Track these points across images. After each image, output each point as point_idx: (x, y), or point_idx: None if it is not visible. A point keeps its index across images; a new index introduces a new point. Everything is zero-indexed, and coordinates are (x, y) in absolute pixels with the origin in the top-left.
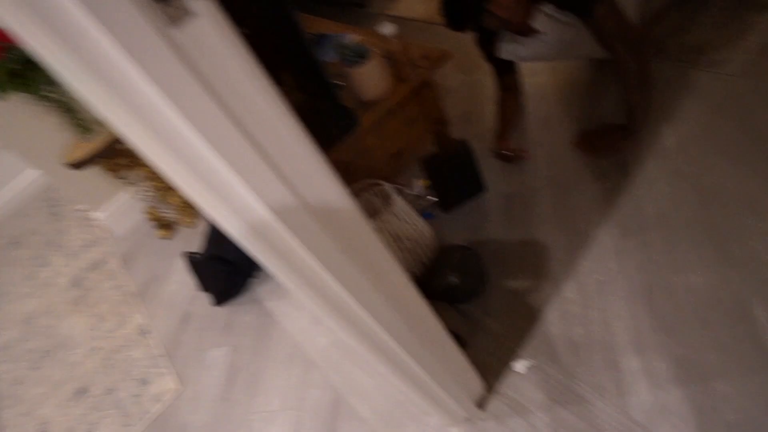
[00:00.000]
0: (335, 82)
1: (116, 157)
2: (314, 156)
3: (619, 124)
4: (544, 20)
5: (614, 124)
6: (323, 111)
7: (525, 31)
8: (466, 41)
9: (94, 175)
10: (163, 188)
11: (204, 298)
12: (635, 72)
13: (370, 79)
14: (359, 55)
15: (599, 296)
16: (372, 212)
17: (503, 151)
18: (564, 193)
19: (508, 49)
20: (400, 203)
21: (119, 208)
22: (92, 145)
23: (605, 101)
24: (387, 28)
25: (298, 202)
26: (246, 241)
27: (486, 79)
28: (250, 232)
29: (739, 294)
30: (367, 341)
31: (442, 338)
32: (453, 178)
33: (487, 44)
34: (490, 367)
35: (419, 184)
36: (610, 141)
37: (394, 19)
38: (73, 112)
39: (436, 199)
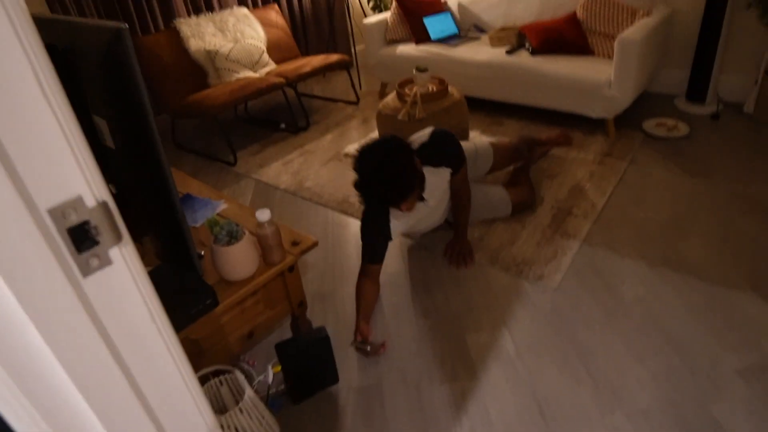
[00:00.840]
0: (198, 252)
1: None
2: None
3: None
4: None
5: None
6: (183, 286)
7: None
8: (329, 216)
9: None
10: None
11: None
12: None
13: (238, 260)
14: (231, 235)
15: None
16: (219, 403)
17: (362, 345)
18: (416, 390)
19: (395, 227)
20: (249, 394)
21: None
22: None
23: (448, 289)
24: (263, 215)
25: None
26: None
27: (345, 259)
28: None
29: None
30: None
31: None
32: (307, 367)
33: (377, 238)
34: None
35: (271, 371)
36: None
37: (260, 184)
38: None
39: (287, 388)
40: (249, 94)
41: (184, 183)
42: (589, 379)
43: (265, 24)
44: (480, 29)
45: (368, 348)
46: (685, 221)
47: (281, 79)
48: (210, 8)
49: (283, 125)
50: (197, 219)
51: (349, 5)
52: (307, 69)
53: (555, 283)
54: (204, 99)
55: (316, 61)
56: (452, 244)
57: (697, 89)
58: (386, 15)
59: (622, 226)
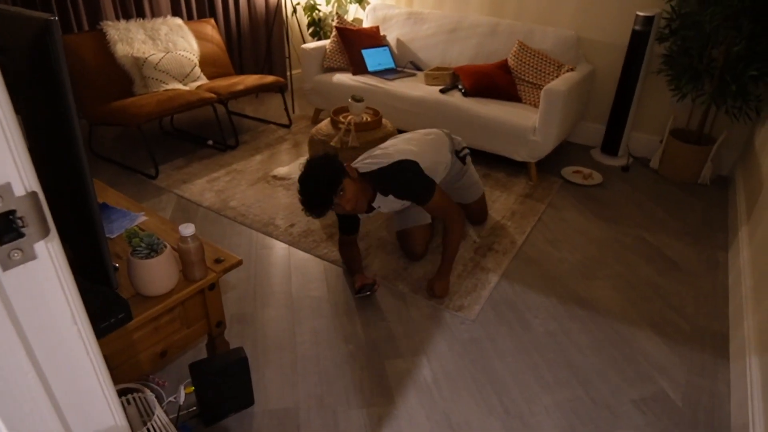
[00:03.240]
0: (114, 264)
1: None
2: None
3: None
4: (381, 200)
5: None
6: (95, 299)
7: (366, 210)
8: (253, 237)
9: None
10: None
11: None
12: (456, 233)
13: (156, 274)
14: (151, 248)
15: None
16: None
17: (365, 284)
18: (332, 415)
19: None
20: (159, 414)
21: None
22: None
23: (370, 316)
24: (187, 229)
25: None
26: None
27: (268, 281)
28: None
29: None
30: None
31: None
32: (221, 388)
33: (343, 218)
34: None
35: (183, 391)
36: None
37: (182, 200)
38: None
39: (199, 410)
40: (177, 106)
41: (100, 192)
42: (500, 407)
43: (200, 37)
44: (416, 66)
45: (368, 292)
46: (594, 262)
47: (213, 95)
48: (141, 14)
49: (210, 142)
50: (113, 230)
51: (289, 29)
52: (241, 87)
53: (474, 314)
54: (128, 107)
55: (251, 80)
56: (431, 282)
57: (611, 143)
58: (325, 43)
59: (538, 263)
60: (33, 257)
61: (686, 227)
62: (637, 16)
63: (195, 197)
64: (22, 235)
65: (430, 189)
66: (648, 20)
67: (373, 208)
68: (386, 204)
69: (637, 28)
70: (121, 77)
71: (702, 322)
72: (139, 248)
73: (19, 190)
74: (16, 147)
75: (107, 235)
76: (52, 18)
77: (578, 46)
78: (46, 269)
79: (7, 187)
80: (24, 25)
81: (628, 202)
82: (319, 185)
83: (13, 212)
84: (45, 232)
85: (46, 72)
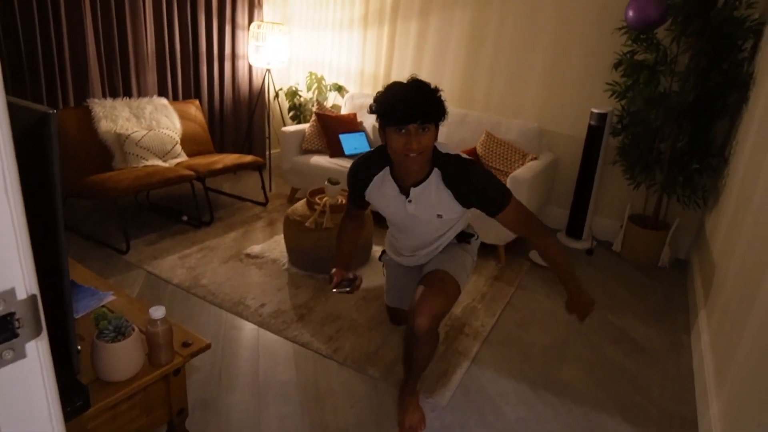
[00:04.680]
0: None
1: None
2: None
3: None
4: (427, 194)
5: None
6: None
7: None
8: (222, 317)
9: None
10: None
11: None
12: (553, 245)
13: (121, 359)
14: (118, 331)
15: None
16: None
17: (344, 279)
18: None
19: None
20: None
21: None
22: None
23: (339, 403)
24: (157, 311)
25: None
26: None
27: (235, 364)
28: None
29: None
30: None
31: None
32: None
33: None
34: None
35: None
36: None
37: (151, 277)
38: None
39: None
40: (155, 182)
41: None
42: None
43: (183, 116)
44: None
45: (347, 288)
46: (563, 346)
47: (191, 173)
48: (128, 93)
49: (185, 218)
50: (79, 309)
51: (270, 112)
52: (219, 166)
53: (444, 400)
54: (105, 181)
55: (230, 159)
56: (569, 302)
57: (575, 227)
58: (305, 126)
59: (508, 347)
60: (23, 356)
61: (649, 309)
62: (592, 112)
63: (165, 274)
64: (16, 335)
65: (508, 192)
66: (602, 116)
67: (406, 196)
68: (425, 202)
69: (593, 123)
70: (102, 152)
71: (669, 406)
72: (106, 331)
73: (21, 294)
74: (23, 252)
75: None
76: (51, 111)
77: (541, 136)
78: (32, 368)
79: (11, 291)
80: (22, 114)
81: (594, 285)
82: (426, 87)
83: (12, 314)
84: (38, 332)
85: (38, 159)
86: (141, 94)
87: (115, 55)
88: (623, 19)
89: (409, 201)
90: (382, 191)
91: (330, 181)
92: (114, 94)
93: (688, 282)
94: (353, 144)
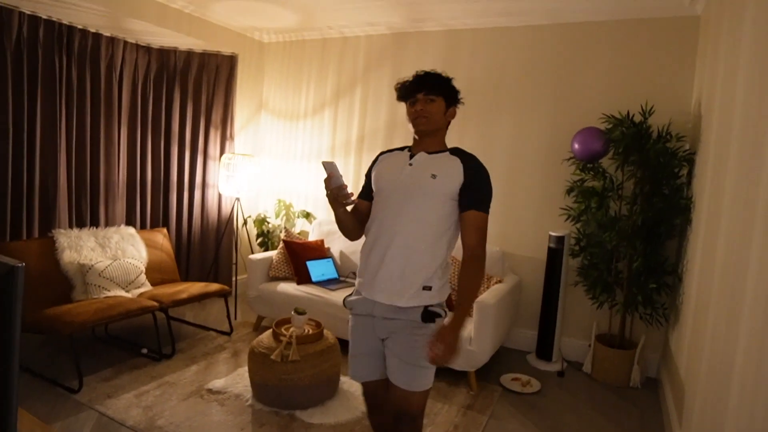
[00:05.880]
0: None
1: None
2: None
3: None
4: (435, 158)
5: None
6: None
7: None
8: None
9: None
10: None
11: None
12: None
13: None
14: None
15: None
16: None
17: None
18: None
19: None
20: None
21: None
22: None
23: None
24: None
25: None
26: None
27: None
28: None
29: None
30: None
31: None
32: None
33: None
34: None
35: None
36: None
37: (103, 419)
38: None
39: None
40: (115, 315)
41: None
42: None
43: (150, 245)
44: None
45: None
46: None
47: (154, 303)
48: (95, 223)
49: (145, 350)
50: None
51: (238, 239)
52: (184, 296)
53: None
54: (62, 315)
55: (195, 288)
56: (442, 330)
57: (544, 348)
58: (272, 253)
59: None
60: None
61: None
62: (551, 235)
63: (119, 415)
64: None
65: (488, 205)
66: (559, 239)
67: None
68: (423, 165)
69: (552, 245)
70: (62, 283)
71: None
72: None
73: None
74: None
75: None
76: (19, 265)
77: (504, 260)
78: None
79: None
80: None
81: (567, 410)
82: (433, 71)
83: None
84: None
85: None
86: (109, 223)
87: (86, 184)
88: (570, 150)
89: (410, 165)
90: (390, 159)
91: (296, 311)
92: (81, 224)
93: (661, 402)
94: (320, 270)
